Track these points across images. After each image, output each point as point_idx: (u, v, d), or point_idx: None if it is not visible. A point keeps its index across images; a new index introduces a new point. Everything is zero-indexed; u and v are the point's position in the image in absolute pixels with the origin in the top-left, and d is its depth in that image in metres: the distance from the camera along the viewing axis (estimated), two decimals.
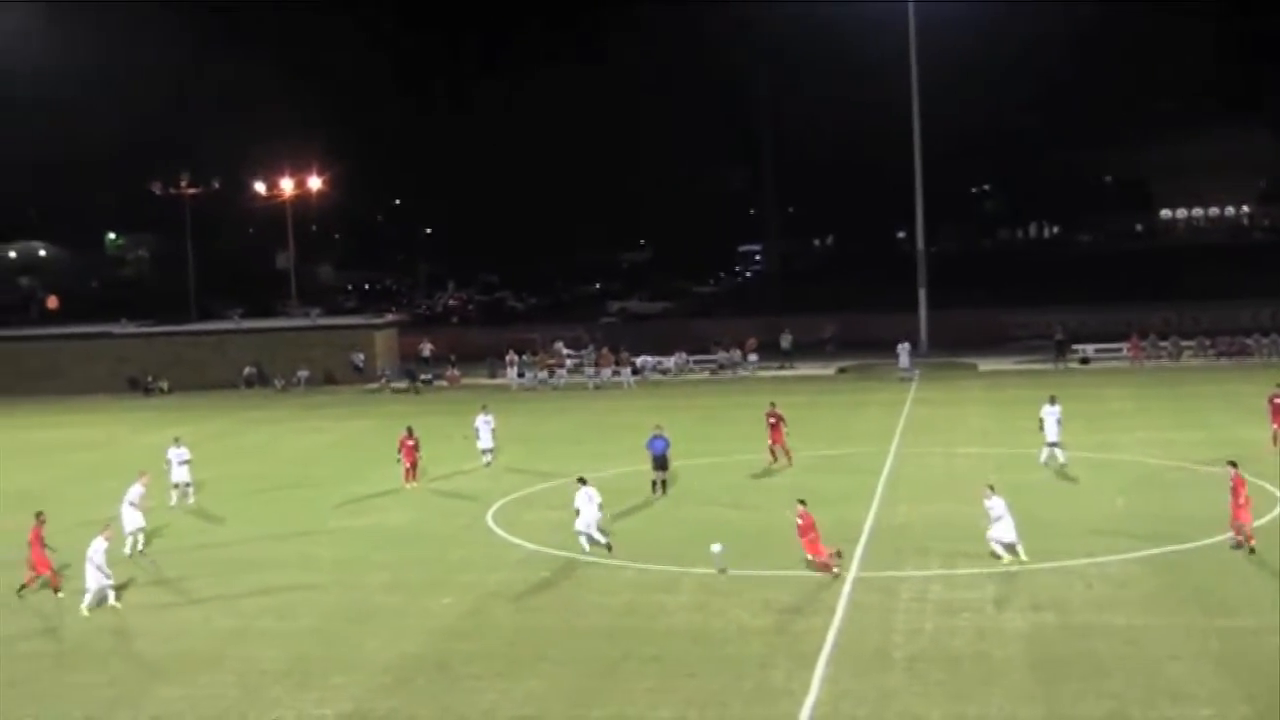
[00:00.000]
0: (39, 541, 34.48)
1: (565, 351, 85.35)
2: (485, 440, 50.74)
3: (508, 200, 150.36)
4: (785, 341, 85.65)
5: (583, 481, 37.96)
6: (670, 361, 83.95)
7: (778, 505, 39.86)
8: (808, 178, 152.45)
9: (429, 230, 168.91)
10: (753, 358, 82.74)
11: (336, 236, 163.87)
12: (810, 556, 33.52)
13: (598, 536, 36.91)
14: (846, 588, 32.36)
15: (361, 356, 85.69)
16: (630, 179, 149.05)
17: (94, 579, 32.76)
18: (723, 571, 33.27)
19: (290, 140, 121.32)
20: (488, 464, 50.38)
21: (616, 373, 79.70)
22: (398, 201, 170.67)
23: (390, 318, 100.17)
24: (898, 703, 24.78)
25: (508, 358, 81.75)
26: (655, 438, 44.60)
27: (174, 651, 29.86)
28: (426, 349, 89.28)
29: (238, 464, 54.40)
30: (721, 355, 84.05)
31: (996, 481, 36.00)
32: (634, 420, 56.69)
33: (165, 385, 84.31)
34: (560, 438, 58.18)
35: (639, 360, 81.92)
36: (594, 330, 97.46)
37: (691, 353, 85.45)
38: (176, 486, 45.31)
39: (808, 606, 31.13)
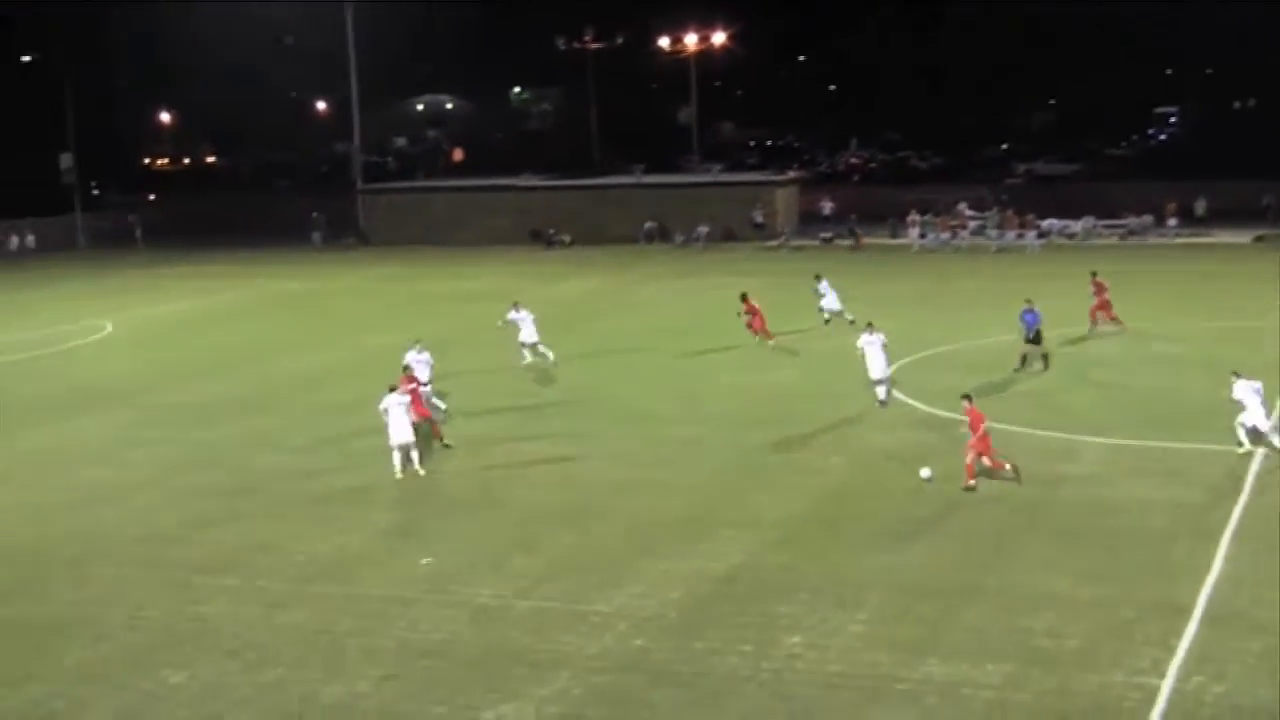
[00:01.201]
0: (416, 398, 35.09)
1: (968, 213, 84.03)
2: (832, 303, 51.59)
3: (914, 58, 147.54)
4: (1200, 208, 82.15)
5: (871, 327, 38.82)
6: (1078, 225, 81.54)
7: (1180, 375, 38.68)
8: (1228, 34, 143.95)
9: (832, 87, 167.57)
10: (1172, 222, 79.69)
11: (739, 92, 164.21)
12: (975, 457, 30.60)
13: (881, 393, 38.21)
14: (1255, 465, 31.20)
15: (762, 213, 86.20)
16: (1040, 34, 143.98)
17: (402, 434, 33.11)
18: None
19: None
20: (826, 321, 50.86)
21: (1020, 235, 78.14)
22: (802, 58, 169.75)
23: (791, 175, 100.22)
24: None
25: (909, 218, 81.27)
26: (1026, 311, 43.45)
27: (563, 502, 31.12)
28: (827, 207, 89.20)
29: (633, 319, 55.73)
30: (1132, 220, 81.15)
31: None
32: (1033, 288, 55.67)
33: (567, 238, 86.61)
34: (960, 301, 57.53)
35: (1044, 223, 80.00)
36: (998, 192, 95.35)
37: (1100, 217, 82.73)
38: (525, 346, 46.22)
39: (1212, 482, 30.20)
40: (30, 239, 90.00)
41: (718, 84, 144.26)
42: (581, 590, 25.33)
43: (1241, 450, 31.98)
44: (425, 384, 37.35)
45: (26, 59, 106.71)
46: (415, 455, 33.27)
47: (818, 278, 53.04)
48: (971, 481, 30.24)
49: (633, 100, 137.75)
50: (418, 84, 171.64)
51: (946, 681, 21.08)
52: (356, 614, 24.61)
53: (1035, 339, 42.77)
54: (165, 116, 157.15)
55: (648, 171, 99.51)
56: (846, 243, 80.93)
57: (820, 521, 28.96)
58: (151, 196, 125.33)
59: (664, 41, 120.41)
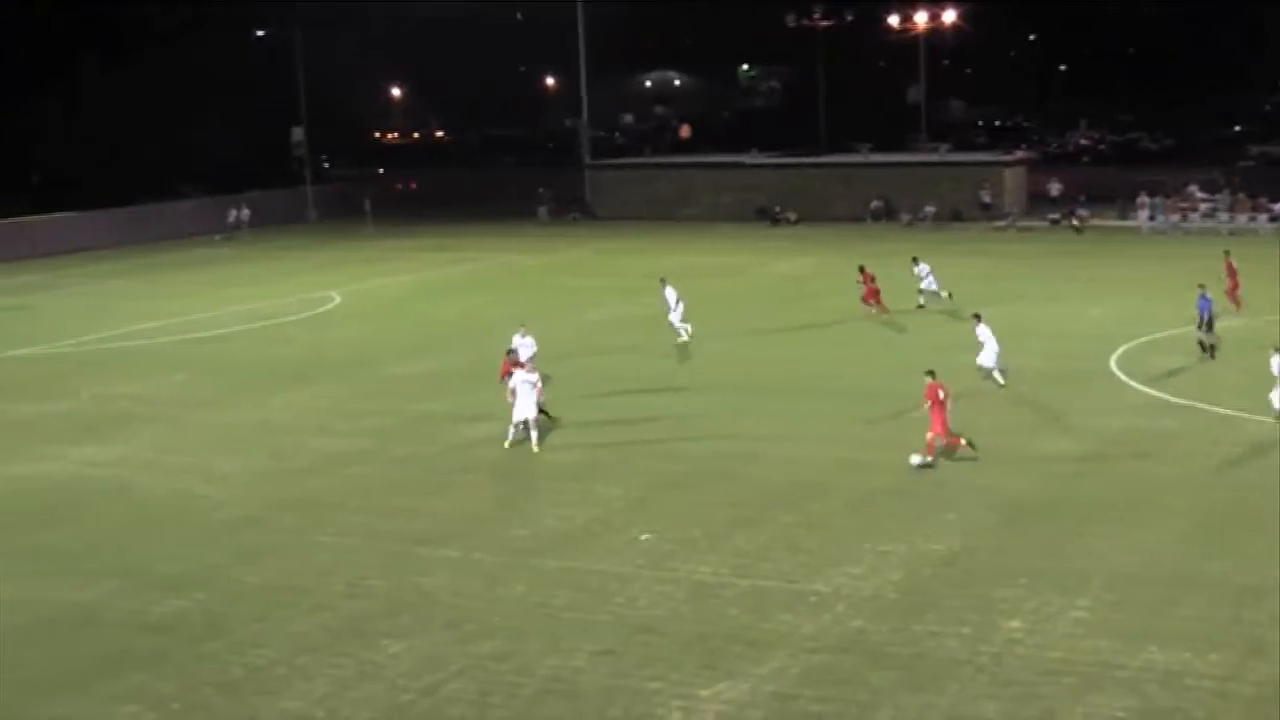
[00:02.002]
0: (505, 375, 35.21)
1: (1199, 195, 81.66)
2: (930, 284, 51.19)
3: (1147, 37, 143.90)
4: None
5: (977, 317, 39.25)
6: None
7: None
8: None
9: (1063, 67, 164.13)
10: None
11: (968, 71, 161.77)
12: (932, 435, 30.84)
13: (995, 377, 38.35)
14: None
15: (989, 194, 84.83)
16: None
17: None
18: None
19: None
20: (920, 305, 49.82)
21: (1253, 219, 75.77)
22: (1033, 36, 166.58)
23: (1019, 155, 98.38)
24: None
25: (1139, 200, 79.32)
26: (1201, 297, 42.33)
27: (784, 480, 31.01)
28: (1055, 188, 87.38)
29: (856, 296, 55.24)
30: None
31: None
32: (1269, 270, 54.10)
33: (792, 216, 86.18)
34: (1188, 284, 55.81)
35: (1277, 206, 77.32)
36: (1231, 174, 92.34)
37: None
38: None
39: None
40: (245, 213, 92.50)
41: (946, 62, 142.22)
42: (800, 569, 25.21)
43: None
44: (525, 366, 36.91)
45: (260, 33, 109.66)
46: (534, 435, 33.77)
47: (915, 260, 52.62)
48: (929, 457, 30.63)
49: (861, 78, 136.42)
50: (647, 60, 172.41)
51: (1167, 670, 20.65)
52: (574, 588, 24.80)
53: (1208, 325, 41.99)
54: (396, 91, 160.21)
55: (875, 150, 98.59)
56: (1073, 223, 79.26)
57: (1042, 505, 28.48)
58: (381, 170, 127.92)
59: (894, 19, 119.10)
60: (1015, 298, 52.37)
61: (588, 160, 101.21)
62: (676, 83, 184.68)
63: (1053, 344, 44.58)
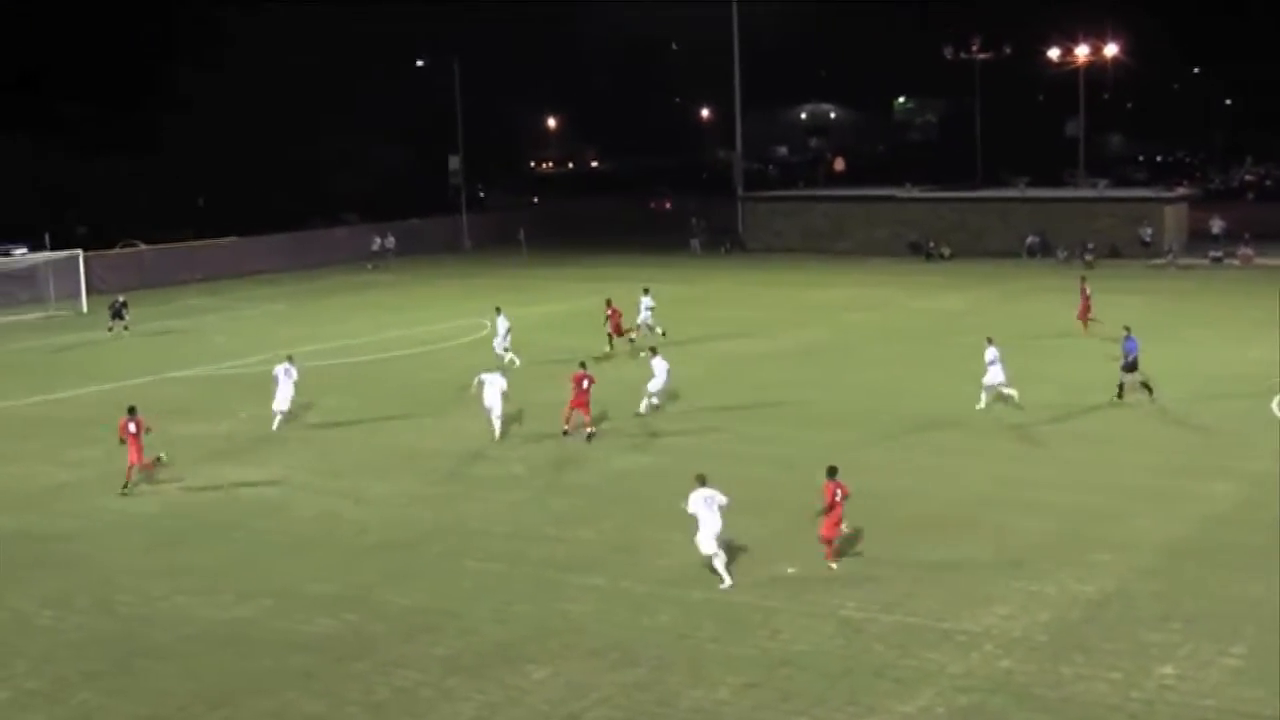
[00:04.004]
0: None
1: None
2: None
3: None
4: None
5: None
6: None
7: None
8: None
9: (1228, 101, 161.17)
10: None
11: (1129, 105, 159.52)
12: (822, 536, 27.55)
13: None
14: None
15: (1149, 230, 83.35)
16: None
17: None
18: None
19: (1086, 4, 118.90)
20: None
21: None
22: (1196, 70, 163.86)
23: (1180, 191, 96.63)
24: None
25: None
26: (1126, 339, 41.90)
27: (933, 515, 30.71)
28: (1217, 225, 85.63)
29: (1012, 328, 54.60)
30: None
31: None
32: None
33: (946, 251, 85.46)
34: None
35: None
36: None
37: None
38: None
39: None
40: (390, 240, 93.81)
41: (1106, 96, 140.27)
42: (948, 607, 24.92)
43: None
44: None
45: (420, 63, 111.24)
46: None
47: (645, 290, 54.88)
48: (832, 564, 27.40)
49: (1018, 111, 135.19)
50: (802, 92, 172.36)
51: None
52: (719, 619, 24.74)
53: (1130, 367, 41.53)
54: (552, 121, 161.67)
55: (1031, 184, 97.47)
56: (1234, 262, 77.65)
57: (1199, 549, 27.89)
58: (536, 199, 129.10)
59: (1054, 52, 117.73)
60: (1173, 337, 51.39)
61: (741, 192, 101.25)
62: (832, 115, 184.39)
63: (1211, 384, 43.73)
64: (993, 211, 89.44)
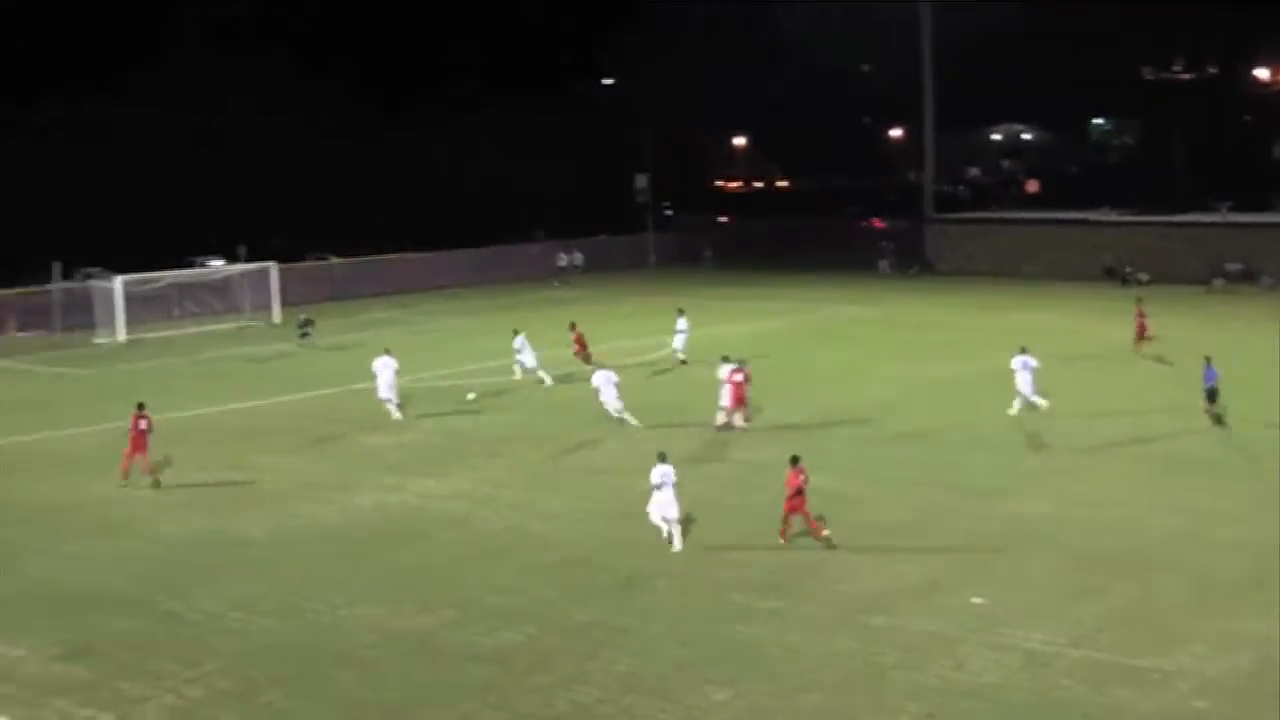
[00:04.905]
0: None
1: None
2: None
3: None
4: None
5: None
6: None
7: None
8: None
9: None
10: None
11: None
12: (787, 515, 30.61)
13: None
14: None
15: None
16: None
17: None
18: None
19: None
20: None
21: None
22: None
23: None
24: None
25: None
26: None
27: (1124, 549, 30.21)
28: None
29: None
30: None
31: None
32: None
33: (1144, 276, 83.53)
34: None
35: None
36: None
37: None
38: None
39: None
40: (578, 257, 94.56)
41: None
42: (1141, 644, 24.42)
43: None
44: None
45: (606, 81, 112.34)
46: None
47: (515, 332, 53.36)
48: (782, 540, 30.48)
49: (1222, 133, 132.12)
50: (994, 113, 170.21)
51: None
52: (901, 648, 24.55)
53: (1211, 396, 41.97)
54: (740, 140, 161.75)
55: (1235, 209, 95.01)
56: None
57: None
58: (722, 218, 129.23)
59: (1261, 72, 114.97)
60: None
61: (930, 214, 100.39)
62: (1025, 136, 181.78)
63: None
64: (1193, 236, 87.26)
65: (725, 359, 44.16)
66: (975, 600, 26.83)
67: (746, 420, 43.22)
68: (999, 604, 26.56)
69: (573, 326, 54.92)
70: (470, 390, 49.09)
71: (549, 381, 51.14)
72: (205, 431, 45.01)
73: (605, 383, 43.70)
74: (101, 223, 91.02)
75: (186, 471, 39.19)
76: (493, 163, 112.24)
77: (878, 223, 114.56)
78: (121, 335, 68.67)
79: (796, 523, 30.66)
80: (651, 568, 29.49)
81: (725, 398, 42.94)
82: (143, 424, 37.44)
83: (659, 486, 30.82)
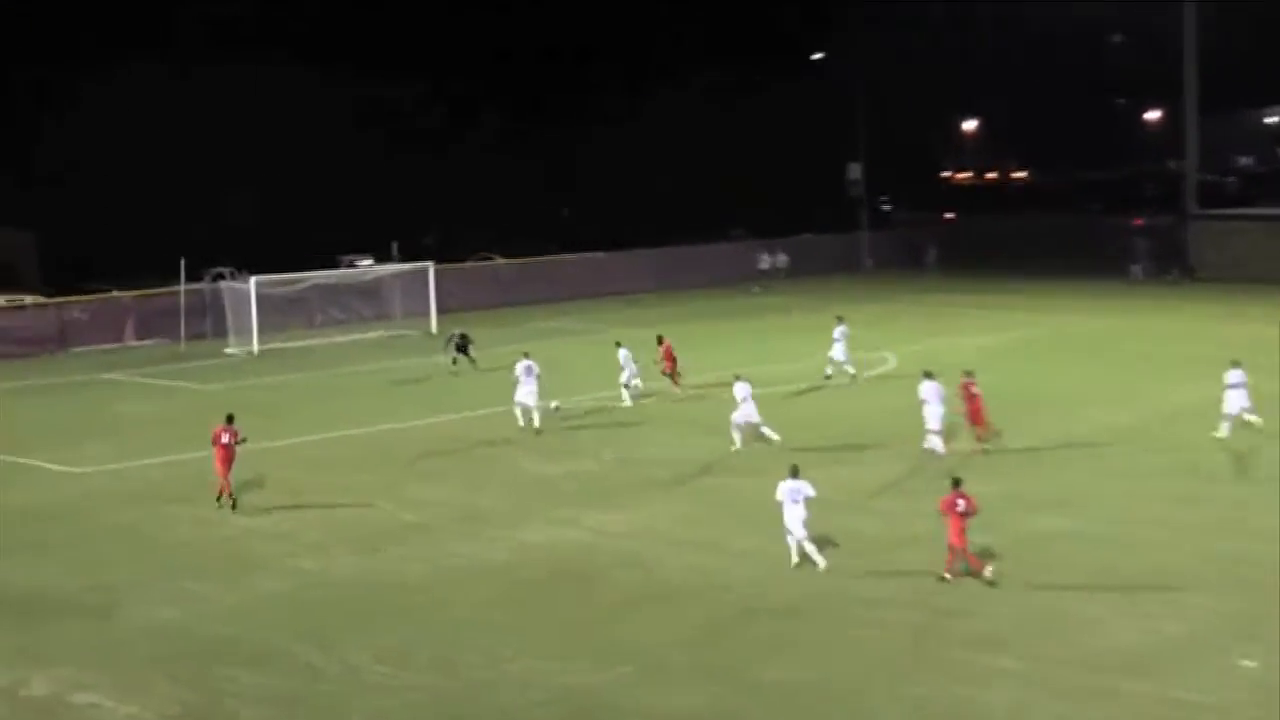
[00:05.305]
0: None
1: None
2: None
3: None
4: None
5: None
6: None
7: None
8: None
9: None
10: None
11: None
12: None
13: None
14: None
15: None
16: None
17: None
18: None
19: None
20: None
21: None
22: None
23: None
24: None
25: None
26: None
27: None
28: None
29: None
30: None
31: None
32: None
33: None
34: None
35: None
36: None
37: None
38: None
39: None
40: (782, 258, 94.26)
41: None
42: None
43: None
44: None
45: (816, 56, 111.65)
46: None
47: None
48: (946, 575, 30.64)
49: None
50: (1271, 93, 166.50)
51: None
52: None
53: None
54: (969, 125, 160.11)
55: None
56: None
57: None
58: (949, 215, 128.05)
59: None
60: None
61: (1193, 210, 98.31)
62: None
63: None
64: None
65: (928, 374, 43.85)
66: (1245, 663, 26.00)
67: (982, 441, 42.94)
68: (1273, 669, 25.68)
69: (660, 340, 54.77)
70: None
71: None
72: (349, 456, 45.49)
73: (743, 395, 44.18)
74: (235, 215, 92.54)
75: (327, 500, 39.59)
76: (682, 150, 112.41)
77: (1138, 221, 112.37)
78: (255, 345, 69.53)
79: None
80: (857, 616, 29.11)
81: (933, 418, 42.64)
82: (226, 438, 38.10)
83: (795, 501, 32.05)
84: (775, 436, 43.83)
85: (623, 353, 52.97)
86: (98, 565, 34.40)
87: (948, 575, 30.69)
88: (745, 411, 43.95)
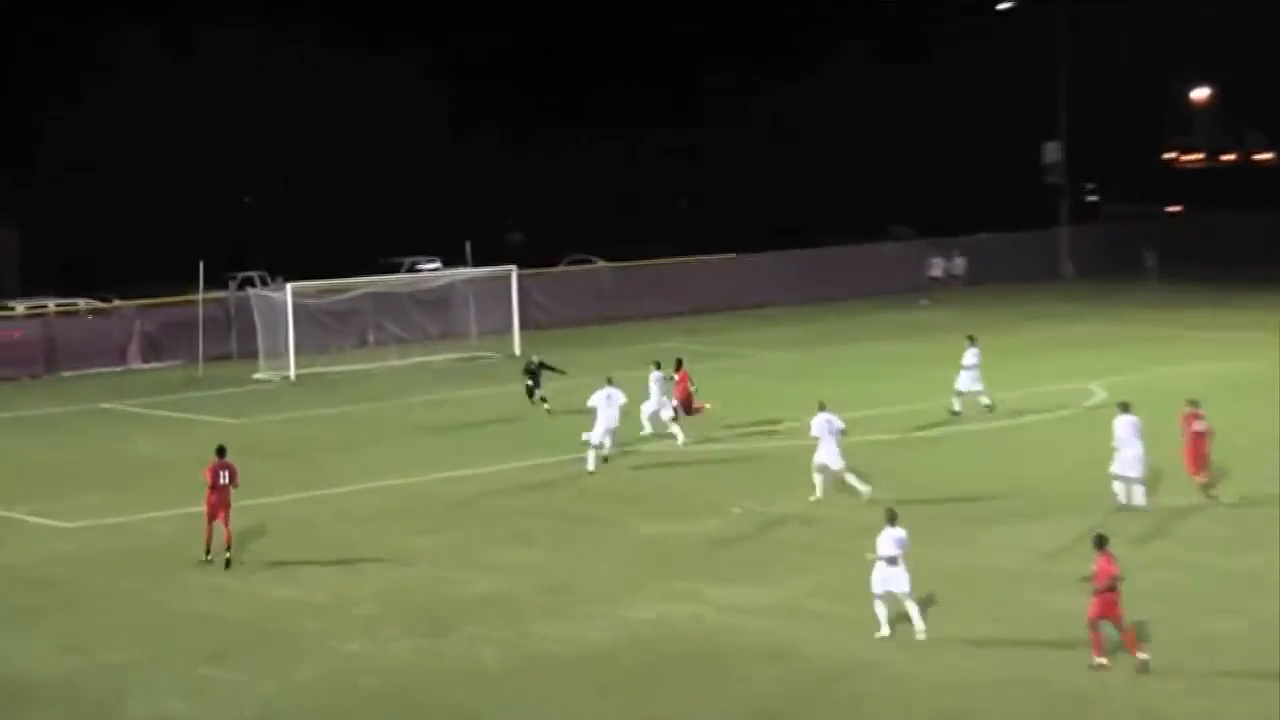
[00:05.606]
0: None
1: None
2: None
3: None
4: None
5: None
6: None
7: None
8: None
9: None
10: None
11: None
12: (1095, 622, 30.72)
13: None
14: None
15: None
16: None
17: None
18: None
19: None
20: None
21: None
22: None
23: None
24: None
25: None
26: None
27: None
28: None
29: None
30: None
31: None
32: None
33: None
34: None
35: None
36: None
37: None
38: None
39: None
40: (959, 263, 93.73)
41: None
42: None
43: None
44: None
45: (1005, 5, 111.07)
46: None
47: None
48: (1100, 659, 30.59)
49: None
50: None
51: None
52: None
53: None
54: (1200, 92, 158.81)
55: None
56: None
57: None
58: (1174, 207, 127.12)
59: None
60: None
61: None
62: None
63: None
64: None
65: (1124, 406, 44.03)
66: None
67: (1207, 485, 42.93)
68: None
69: (679, 364, 54.54)
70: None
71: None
72: (409, 510, 45.68)
73: (826, 431, 44.15)
74: (268, 213, 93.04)
75: (382, 565, 39.71)
76: (832, 126, 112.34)
77: None
78: (292, 369, 69.42)
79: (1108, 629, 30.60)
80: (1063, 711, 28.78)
81: (1125, 466, 42.67)
82: (224, 476, 38.15)
83: (891, 559, 33.22)
84: (864, 488, 43.90)
85: (655, 375, 53.33)
86: (94, 644, 34.48)
87: (1100, 660, 30.67)
88: (826, 453, 44.04)
